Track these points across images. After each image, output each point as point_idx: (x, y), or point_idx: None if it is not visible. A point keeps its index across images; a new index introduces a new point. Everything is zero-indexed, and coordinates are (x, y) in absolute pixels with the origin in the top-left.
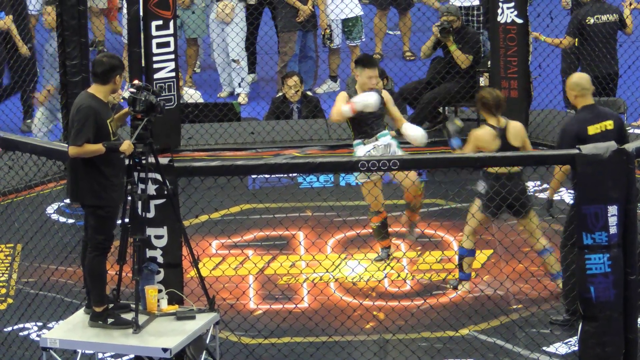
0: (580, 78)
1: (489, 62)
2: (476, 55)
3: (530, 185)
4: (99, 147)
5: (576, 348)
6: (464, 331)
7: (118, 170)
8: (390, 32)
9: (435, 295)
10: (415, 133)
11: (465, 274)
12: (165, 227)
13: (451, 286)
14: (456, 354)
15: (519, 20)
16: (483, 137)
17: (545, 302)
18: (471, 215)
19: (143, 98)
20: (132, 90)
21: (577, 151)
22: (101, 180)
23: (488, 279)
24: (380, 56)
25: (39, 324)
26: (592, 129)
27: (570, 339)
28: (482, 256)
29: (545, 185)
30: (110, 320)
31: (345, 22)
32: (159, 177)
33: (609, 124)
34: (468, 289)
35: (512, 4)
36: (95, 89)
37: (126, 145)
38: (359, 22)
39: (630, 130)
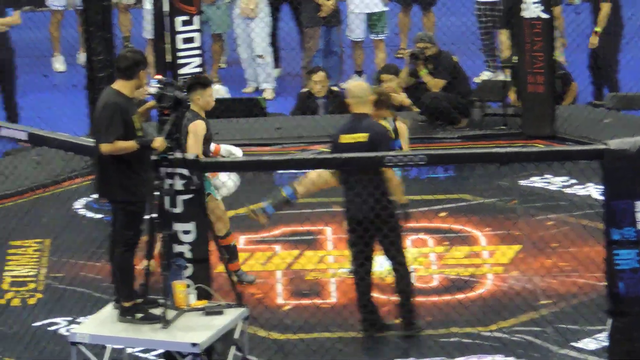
0: (355, 87)
1: (514, 58)
2: (448, 77)
3: (559, 180)
4: (131, 144)
5: (606, 344)
6: (493, 327)
7: (146, 165)
8: None
9: (463, 290)
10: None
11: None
12: (192, 222)
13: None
14: (485, 349)
15: (545, 16)
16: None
17: (574, 297)
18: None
19: (170, 94)
20: (159, 85)
21: (604, 146)
22: (132, 176)
23: (516, 275)
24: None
25: (68, 318)
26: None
27: (600, 335)
28: (510, 251)
29: (573, 181)
30: (139, 315)
31: (369, 15)
32: (185, 172)
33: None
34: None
35: (539, 0)
36: (120, 85)
37: (158, 142)
38: (383, 16)
39: None
